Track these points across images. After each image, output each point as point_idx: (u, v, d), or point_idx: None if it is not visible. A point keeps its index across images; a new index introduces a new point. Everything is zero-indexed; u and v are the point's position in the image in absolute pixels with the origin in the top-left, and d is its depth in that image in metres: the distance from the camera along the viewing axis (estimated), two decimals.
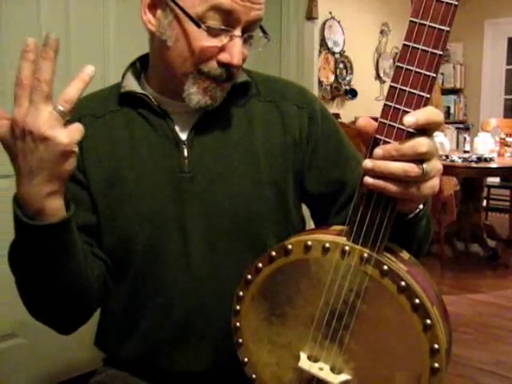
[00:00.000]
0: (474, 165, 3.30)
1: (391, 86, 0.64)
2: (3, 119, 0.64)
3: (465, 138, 4.17)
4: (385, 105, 0.64)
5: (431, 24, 0.62)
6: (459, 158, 3.43)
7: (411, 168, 0.62)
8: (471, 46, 5.67)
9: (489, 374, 2.16)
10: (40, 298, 0.78)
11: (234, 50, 0.79)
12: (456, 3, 0.61)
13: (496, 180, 4.75)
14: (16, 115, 0.62)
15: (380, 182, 0.63)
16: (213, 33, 0.79)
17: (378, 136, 0.64)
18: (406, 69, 0.63)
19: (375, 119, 0.66)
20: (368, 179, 0.64)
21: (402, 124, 0.62)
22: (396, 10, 4.78)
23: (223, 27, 0.78)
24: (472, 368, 2.21)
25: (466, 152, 3.80)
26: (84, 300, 0.81)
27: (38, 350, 1.90)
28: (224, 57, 0.80)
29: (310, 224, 0.96)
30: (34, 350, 1.89)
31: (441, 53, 0.62)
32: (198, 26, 0.78)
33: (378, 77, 4.77)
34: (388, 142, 0.64)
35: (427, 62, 0.62)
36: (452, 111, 5.62)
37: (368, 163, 0.63)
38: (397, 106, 0.64)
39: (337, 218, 0.90)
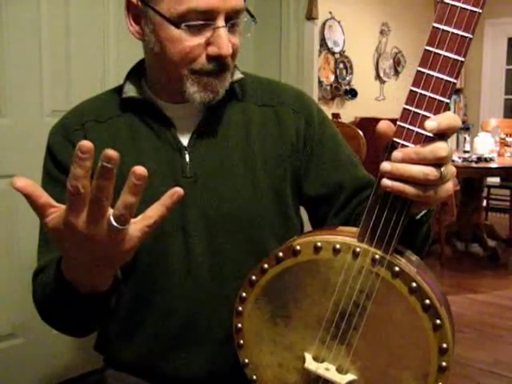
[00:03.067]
0: (474, 165, 3.30)
1: (411, 91, 0.64)
2: (49, 207, 0.56)
3: (465, 138, 4.17)
4: (404, 109, 0.65)
5: (455, 31, 0.62)
6: (459, 158, 3.43)
7: (430, 171, 0.62)
8: (471, 46, 5.63)
9: (489, 374, 2.16)
10: (64, 322, 0.79)
11: (220, 41, 0.79)
12: (480, 11, 0.61)
13: (496, 180, 4.74)
14: (73, 221, 0.54)
15: (399, 185, 0.63)
16: (194, 31, 0.79)
17: (396, 139, 0.65)
18: (428, 74, 0.63)
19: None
20: (386, 181, 0.64)
21: (422, 128, 0.63)
22: (396, 9, 4.78)
23: (203, 22, 0.78)
24: (472, 368, 2.21)
25: (466, 152, 3.80)
26: (105, 316, 0.81)
27: (38, 350, 1.90)
28: (212, 50, 0.80)
29: (308, 226, 0.96)
30: (34, 350, 1.89)
31: (463, 59, 0.62)
32: (177, 27, 0.78)
33: (377, 77, 4.77)
34: (406, 146, 0.64)
35: (449, 68, 0.63)
36: (452, 111, 5.62)
37: (386, 166, 0.63)
38: (417, 110, 0.64)
39: (335, 220, 0.90)
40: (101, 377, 0.94)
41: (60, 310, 0.74)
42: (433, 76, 0.63)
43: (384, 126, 0.65)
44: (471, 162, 3.34)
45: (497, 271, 3.55)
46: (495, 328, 2.63)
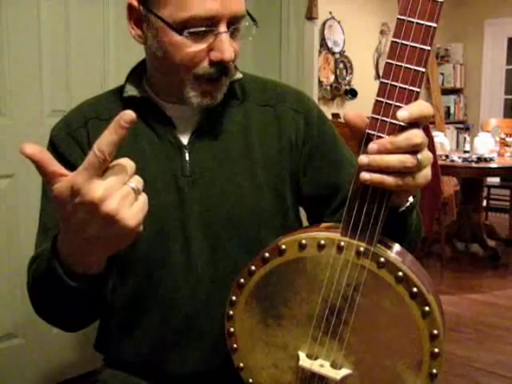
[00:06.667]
0: (474, 165, 3.30)
1: (382, 82, 0.65)
2: (59, 175, 0.56)
3: (465, 138, 4.17)
4: (376, 100, 0.65)
5: (419, 21, 0.63)
6: (459, 157, 3.43)
7: (407, 159, 0.63)
8: (471, 46, 5.66)
9: (489, 374, 2.16)
10: (57, 313, 0.79)
11: (223, 46, 0.80)
12: (442, 0, 0.62)
13: (496, 180, 4.75)
14: (82, 184, 0.55)
15: (377, 176, 0.63)
16: (197, 37, 0.80)
17: (370, 131, 0.65)
18: (396, 65, 0.64)
19: None
20: (365, 175, 0.64)
21: (395, 118, 0.63)
22: (396, 10, 4.77)
23: (205, 29, 0.79)
24: (472, 368, 2.21)
25: (466, 152, 3.80)
26: (98, 310, 0.81)
27: (38, 350, 1.90)
28: (215, 55, 0.81)
29: None
30: (34, 350, 1.90)
31: (429, 48, 0.63)
32: (180, 33, 0.79)
33: (378, 77, 4.77)
34: (381, 137, 0.64)
35: (416, 58, 0.63)
36: (452, 111, 5.61)
37: (364, 159, 0.64)
38: (388, 101, 0.64)
39: (331, 220, 0.90)
40: (100, 376, 0.94)
41: (51, 292, 0.72)
42: (401, 67, 0.64)
43: (350, 115, 0.66)
44: (471, 161, 3.34)
45: (497, 271, 3.55)
46: (495, 328, 2.63)
